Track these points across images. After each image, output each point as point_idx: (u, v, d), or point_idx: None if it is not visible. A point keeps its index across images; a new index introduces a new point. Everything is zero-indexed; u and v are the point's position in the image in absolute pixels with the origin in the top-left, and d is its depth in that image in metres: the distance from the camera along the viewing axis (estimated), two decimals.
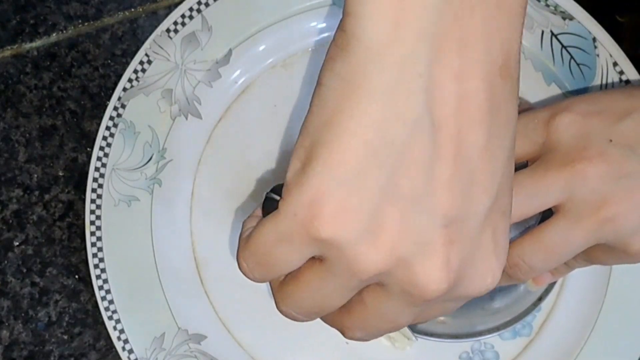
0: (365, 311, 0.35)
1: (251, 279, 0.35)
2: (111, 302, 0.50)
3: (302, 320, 0.36)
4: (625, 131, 0.40)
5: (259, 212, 0.36)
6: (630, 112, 0.41)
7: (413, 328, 0.49)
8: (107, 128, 0.51)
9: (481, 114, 0.31)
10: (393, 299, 0.33)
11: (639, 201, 0.40)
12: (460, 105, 0.31)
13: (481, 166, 0.32)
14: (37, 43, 0.54)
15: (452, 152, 0.31)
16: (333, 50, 0.31)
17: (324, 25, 0.53)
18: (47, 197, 0.54)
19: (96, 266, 0.50)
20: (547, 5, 0.52)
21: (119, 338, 0.50)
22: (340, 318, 0.36)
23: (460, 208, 0.32)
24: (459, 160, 0.31)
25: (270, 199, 0.34)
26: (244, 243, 0.35)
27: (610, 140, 0.40)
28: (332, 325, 0.37)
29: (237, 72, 0.53)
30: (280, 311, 0.36)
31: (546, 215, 0.42)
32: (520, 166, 0.42)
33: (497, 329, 0.49)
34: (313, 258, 0.33)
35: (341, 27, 0.31)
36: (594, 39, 0.52)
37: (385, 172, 0.30)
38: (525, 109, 0.47)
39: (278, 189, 0.33)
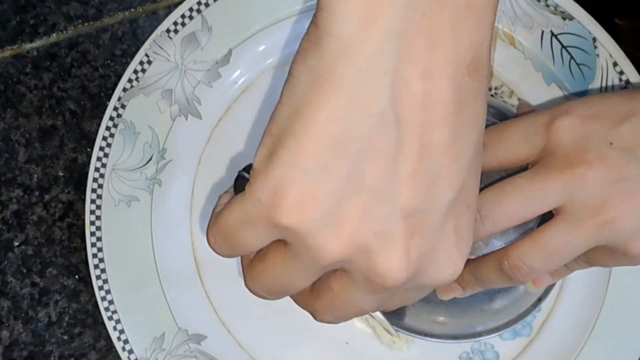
0: (332, 296, 0.35)
1: (218, 254, 0.36)
2: (111, 302, 0.50)
3: (270, 299, 0.37)
4: (625, 134, 0.40)
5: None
6: (630, 116, 0.41)
7: (413, 328, 0.49)
8: (107, 128, 0.51)
9: (447, 111, 0.32)
10: (356, 286, 0.34)
11: (638, 204, 0.40)
12: (426, 102, 0.31)
13: (445, 162, 0.32)
14: (37, 43, 0.54)
15: (415, 147, 0.32)
16: (305, 43, 0.32)
17: None
18: (47, 197, 0.54)
19: (96, 266, 0.50)
20: (547, 6, 0.52)
21: (119, 338, 0.50)
22: (310, 301, 0.37)
23: (422, 201, 0.32)
24: (423, 155, 0.32)
25: (242, 177, 0.35)
26: (214, 218, 0.36)
27: (611, 144, 0.40)
28: (303, 308, 0.38)
29: (237, 72, 0.53)
30: (249, 289, 0.37)
31: (546, 217, 0.42)
32: (520, 169, 0.42)
33: (497, 329, 0.49)
34: (279, 240, 0.34)
35: (314, 22, 0.32)
36: (594, 39, 0.52)
37: (349, 163, 0.31)
38: (526, 111, 0.47)
39: (250, 168, 0.34)
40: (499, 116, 0.46)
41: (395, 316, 0.49)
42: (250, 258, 0.36)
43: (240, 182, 0.35)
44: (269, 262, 0.35)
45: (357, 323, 0.52)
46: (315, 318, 0.38)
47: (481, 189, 0.42)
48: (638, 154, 0.40)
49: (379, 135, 0.31)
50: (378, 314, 0.50)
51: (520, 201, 0.41)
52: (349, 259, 0.33)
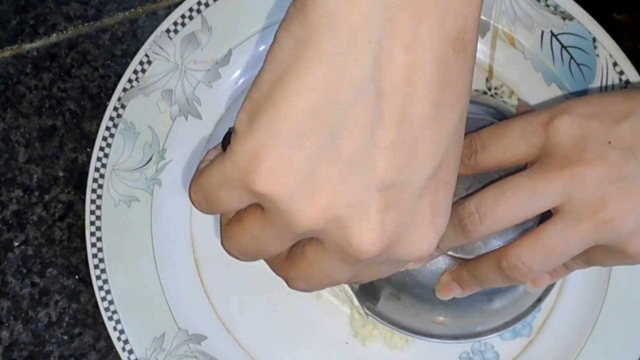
0: (306, 264, 0.36)
1: (197, 210, 0.36)
2: (111, 302, 0.50)
3: (244, 260, 0.37)
4: (624, 133, 0.40)
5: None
6: (628, 115, 0.41)
7: (413, 329, 0.49)
8: (107, 128, 0.51)
9: (429, 85, 0.32)
10: (330, 256, 0.34)
11: (637, 203, 0.40)
12: (409, 75, 0.31)
13: (425, 137, 0.32)
14: (37, 43, 0.54)
15: (395, 119, 0.32)
16: (292, 11, 0.32)
17: None
18: (47, 197, 0.54)
19: (96, 266, 0.50)
20: (547, 6, 0.52)
21: (119, 338, 0.50)
22: (285, 268, 0.37)
23: (398, 174, 0.32)
24: (402, 128, 0.32)
25: (230, 134, 0.35)
26: (196, 174, 0.36)
27: (609, 143, 0.40)
28: (278, 275, 0.38)
29: (237, 73, 0.53)
30: (224, 249, 0.37)
31: (545, 217, 0.42)
32: (519, 169, 0.42)
33: (496, 329, 0.49)
34: (257, 204, 0.34)
35: None
36: (594, 39, 0.52)
37: (327, 132, 0.31)
38: (524, 111, 0.48)
39: None
40: (498, 116, 0.46)
41: (368, 298, 0.49)
42: (229, 218, 0.36)
43: (228, 140, 0.35)
44: (245, 225, 0.35)
45: (331, 297, 0.52)
46: (289, 285, 0.38)
47: (480, 189, 0.42)
48: (637, 153, 0.40)
49: (358, 105, 0.31)
50: (352, 296, 0.50)
51: (519, 200, 0.41)
52: (323, 229, 0.33)
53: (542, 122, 0.42)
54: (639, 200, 0.40)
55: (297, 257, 0.36)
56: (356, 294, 0.49)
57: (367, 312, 0.49)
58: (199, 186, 0.35)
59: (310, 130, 0.31)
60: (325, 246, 0.34)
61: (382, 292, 0.48)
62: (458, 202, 0.43)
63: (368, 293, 0.49)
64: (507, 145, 0.42)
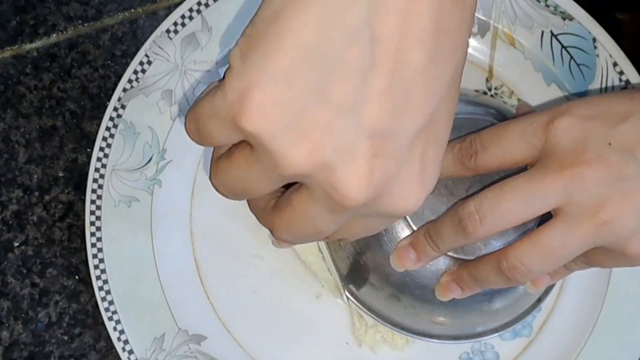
0: (292, 212, 0.35)
1: (190, 139, 0.36)
2: (111, 302, 0.50)
3: (230, 198, 0.37)
4: (624, 135, 0.40)
5: None
6: (629, 116, 0.41)
7: (413, 329, 0.49)
8: (107, 129, 0.51)
9: (424, 34, 0.32)
10: (316, 203, 0.34)
11: (636, 204, 0.40)
12: (404, 22, 0.31)
13: (418, 86, 0.32)
14: (37, 44, 0.54)
15: (388, 67, 0.31)
16: None
17: None
18: (47, 197, 0.54)
19: (96, 267, 0.50)
20: (547, 6, 0.52)
21: (119, 339, 0.50)
22: (271, 217, 0.37)
23: (389, 122, 0.32)
24: (395, 76, 0.32)
25: None
26: (193, 105, 0.36)
27: (609, 144, 0.40)
28: (264, 224, 0.38)
29: None
30: (212, 184, 0.37)
31: (545, 218, 0.42)
32: (519, 170, 0.42)
33: (496, 330, 0.49)
34: (246, 142, 0.34)
35: None
36: (594, 39, 0.52)
37: (318, 74, 0.31)
38: (525, 112, 0.47)
39: None
40: (498, 117, 0.46)
41: (352, 282, 0.49)
42: (220, 154, 0.36)
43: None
44: (234, 161, 0.35)
45: (330, 297, 0.52)
46: (274, 235, 0.38)
47: (481, 190, 0.42)
48: (637, 154, 0.40)
49: (351, 49, 0.31)
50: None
51: (519, 202, 0.41)
52: (309, 173, 0.32)
53: (542, 123, 0.42)
54: (639, 201, 0.40)
55: (282, 206, 0.36)
56: (342, 278, 0.49)
57: (349, 296, 0.49)
58: (192, 116, 0.35)
59: (301, 70, 0.31)
60: (311, 192, 0.34)
61: (369, 277, 0.47)
62: (458, 202, 0.43)
63: (354, 277, 0.49)
64: (507, 146, 0.42)
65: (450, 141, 0.43)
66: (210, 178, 0.37)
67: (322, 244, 0.50)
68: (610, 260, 0.43)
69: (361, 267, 0.47)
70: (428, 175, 0.34)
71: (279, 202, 0.36)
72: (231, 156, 0.35)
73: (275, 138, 0.32)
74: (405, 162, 0.33)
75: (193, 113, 0.35)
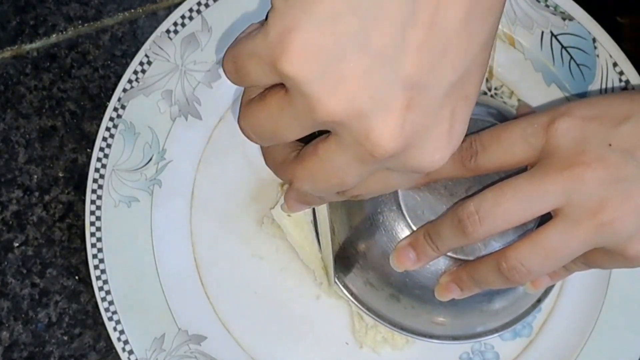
0: (317, 161, 0.35)
1: (227, 77, 0.36)
2: (111, 302, 0.50)
3: (257, 142, 0.37)
4: (624, 136, 0.40)
5: None
6: (629, 117, 0.41)
7: (413, 329, 0.49)
8: (107, 129, 0.51)
9: None
10: (344, 152, 0.34)
11: (636, 205, 0.40)
12: None
13: (454, 42, 0.32)
14: (37, 44, 0.54)
15: (428, 20, 0.32)
16: None
17: None
18: (47, 198, 0.54)
19: (96, 267, 0.50)
20: (547, 6, 0.52)
21: (119, 339, 0.50)
22: (292, 167, 0.37)
23: (424, 75, 0.32)
24: (434, 29, 0.32)
25: None
26: (232, 43, 0.36)
27: (609, 145, 0.40)
28: (283, 176, 0.38)
29: None
30: (240, 127, 0.37)
31: (545, 218, 0.42)
32: (519, 171, 0.42)
33: (496, 330, 0.49)
34: (281, 84, 0.34)
35: None
36: (594, 40, 0.52)
37: (359, 20, 0.31)
38: (525, 113, 0.47)
39: None
40: (499, 117, 0.46)
41: (351, 281, 0.49)
42: (250, 97, 0.36)
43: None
44: (266, 103, 0.35)
45: (331, 297, 0.53)
46: (293, 185, 0.38)
47: (481, 190, 0.42)
48: (637, 154, 0.40)
49: (393, 1, 0.31)
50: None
51: (519, 202, 0.41)
52: (342, 120, 0.33)
53: (542, 123, 0.42)
54: (639, 202, 0.40)
55: (307, 155, 0.36)
56: (341, 278, 0.49)
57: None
58: (231, 55, 0.35)
59: (344, 15, 0.31)
60: (341, 140, 0.34)
61: (369, 277, 0.47)
62: (458, 203, 0.43)
63: (352, 276, 0.49)
64: (508, 147, 0.42)
65: None
66: (238, 121, 0.37)
67: (323, 238, 0.50)
68: (610, 262, 0.43)
69: (361, 267, 0.47)
70: (455, 132, 0.35)
71: (303, 151, 0.36)
72: (264, 98, 0.35)
73: (312, 82, 0.32)
74: (436, 117, 0.34)
75: (232, 52, 0.35)
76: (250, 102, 0.36)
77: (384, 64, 0.32)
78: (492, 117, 0.46)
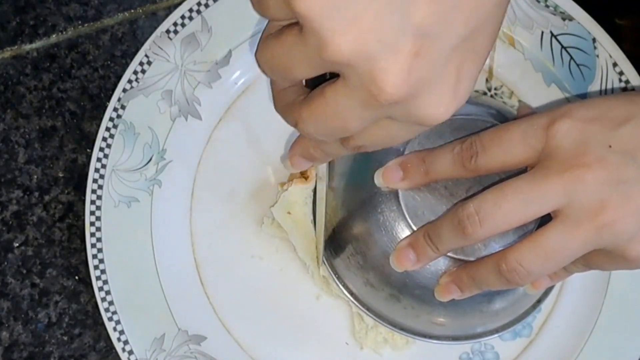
0: (322, 102, 0.36)
1: (252, 6, 0.36)
2: (111, 303, 0.50)
3: (269, 76, 0.38)
4: (624, 137, 0.40)
5: None
6: (629, 119, 0.41)
7: (413, 329, 0.49)
8: (107, 129, 0.51)
9: None
10: (350, 95, 0.35)
11: (636, 207, 0.40)
12: None
13: None
14: (37, 44, 0.54)
15: None
16: None
17: None
18: (47, 198, 0.54)
19: (96, 267, 0.50)
20: (547, 6, 0.52)
21: (119, 339, 0.50)
22: (298, 109, 0.38)
23: (435, 25, 0.33)
24: None
25: None
26: None
27: (610, 146, 0.40)
28: (289, 117, 0.39)
29: (237, 73, 0.53)
30: (256, 58, 0.38)
31: (545, 219, 0.42)
32: (519, 172, 0.42)
33: (496, 330, 0.49)
34: (297, 23, 0.34)
35: None
36: (594, 40, 0.52)
37: None
38: (525, 113, 0.47)
39: None
40: (499, 118, 0.46)
41: (350, 281, 0.49)
42: (270, 32, 0.37)
43: None
44: (281, 39, 0.35)
45: (330, 298, 0.53)
46: (298, 127, 0.38)
47: (481, 191, 0.42)
48: (637, 156, 0.40)
49: None
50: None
51: (519, 204, 0.41)
52: (350, 62, 0.33)
53: (543, 125, 0.42)
54: (639, 204, 0.40)
55: (314, 97, 0.37)
56: (339, 279, 0.49)
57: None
58: None
59: None
60: (347, 84, 0.34)
61: (368, 277, 0.47)
62: (458, 204, 0.43)
63: (351, 275, 0.49)
64: (508, 148, 0.42)
65: (449, 142, 0.43)
66: (255, 54, 0.38)
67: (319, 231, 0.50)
68: (610, 263, 0.43)
69: (361, 267, 0.47)
70: (462, 88, 0.35)
71: (311, 94, 0.37)
72: (280, 35, 0.36)
73: (324, 21, 0.32)
74: (443, 69, 0.34)
75: None
76: (268, 37, 0.37)
77: (395, 9, 0.32)
78: (492, 117, 0.46)
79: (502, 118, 0.46)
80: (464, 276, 0.44)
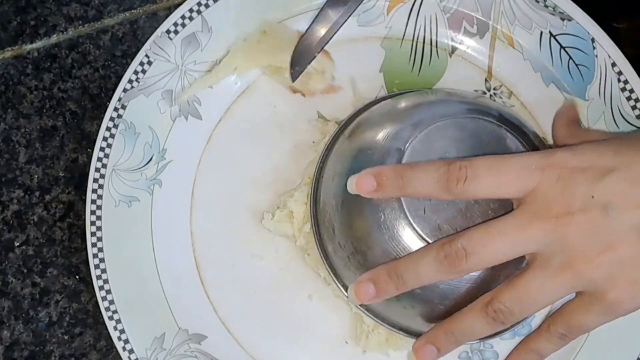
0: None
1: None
2: (112, 302, 0.50)
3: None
4: (606, 188, 0.42)
5: None
6: (613, 169, 0.43)
7: (412, 330, 0.49)
8: (108, 129, 0.51)
9: None
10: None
11: (614, 255, 0.42)
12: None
13: None
14: (38, 44, 0.55)
15: None
16: None
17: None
18: (47, 197, 0.54)
19: (97, 266, 0.50)
20: (546, 6, 0.52)
21: (119, 338, 0.50)
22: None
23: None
24: None
25: None
26: None
27: (592, 197, 0.42)
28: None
29: (237, 74, 0.53)
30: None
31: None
32: (505, 204, 0.44)
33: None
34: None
35: None
36: (593, 40, 0.52)
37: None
38: (570, 112, 0.50)
39: None
40: (499, 119, 0.47)
41: (340, 268, 0.49)
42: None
43: None
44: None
45: (330, 297, 0.53)
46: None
47: (458, 217, 0.44)
48: (616, 207, 0.42)
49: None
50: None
51: (504, 245, 0.43)
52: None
53: (540, 166, 0.43)
54: (616, 252, 0.42)
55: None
56: (339, 278, 0.50)
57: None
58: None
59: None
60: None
61: (347, 246, 0.48)
62: (444, 239, 0.44)
63: (344, 262, 0.49)
64: (502, 180, 0.43)
65: (432, 161, 0.45)
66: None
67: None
68: (589, 314, 0.44)
69: (361, 266, 0.47)
70: None
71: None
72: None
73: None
74: None
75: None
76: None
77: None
78: (493, 118, 0.46)
79: (502, 119, 0.47)
80: (440, 334, 0.46)
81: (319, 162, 0.50)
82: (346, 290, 0.49)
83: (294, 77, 0.52)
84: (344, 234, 0.48)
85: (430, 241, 0.44)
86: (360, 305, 0.49)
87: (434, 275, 0.44)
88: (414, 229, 0.45)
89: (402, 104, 0.49)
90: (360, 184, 0.45)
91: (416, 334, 0.49)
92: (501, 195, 0.44)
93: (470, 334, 0.45)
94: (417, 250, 0.44)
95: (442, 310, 0.47)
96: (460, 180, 0.43)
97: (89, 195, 0.50)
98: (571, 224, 0.42)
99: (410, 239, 0.45)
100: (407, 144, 0.45)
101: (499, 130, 0.46)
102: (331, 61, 0.54)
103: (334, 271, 0.49)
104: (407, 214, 0.45)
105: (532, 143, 0.47)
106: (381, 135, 0.47)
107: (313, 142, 0.53)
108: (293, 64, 0.52)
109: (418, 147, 0.45)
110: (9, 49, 0.54)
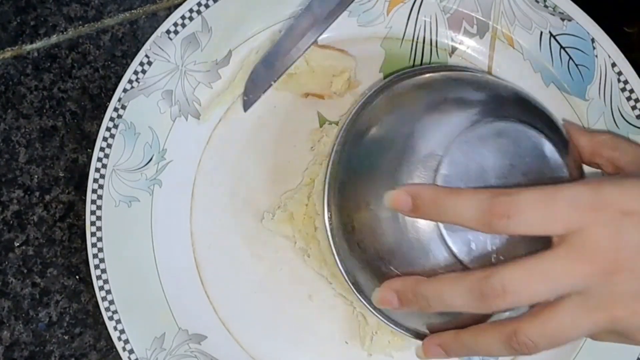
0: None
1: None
2: (112, 302, 0.50)
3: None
4: None
5: None
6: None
7: (413, 330, 0.49)
8: (108, 129, 0.51)
9: None
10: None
11: None
12: None
13: None
14: (38, 44, 0.55)
15: None
16: None
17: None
18: (47, 197, 0.54)
19: (97, 267, 0.50)
20: (546, 6, 0.52)
21: (119, 338, 0.50)
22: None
23: None
24: None
25: None
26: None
27: None
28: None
29: (237, 74, 0.53)
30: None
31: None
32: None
33: None
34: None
35: None
36: (593, 40, 0.52)
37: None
38: (576, 131, 0.49)
39: None
40: (542, 128, 0.45)
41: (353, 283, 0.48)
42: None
43: None
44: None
45: (330, 297, 0.52)
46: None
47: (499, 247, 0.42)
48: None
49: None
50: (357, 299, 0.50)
51: (546, 287, 0.41)
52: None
53: (588, 207, 0.41)
54: None
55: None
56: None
57: (347, 280, 0.48)
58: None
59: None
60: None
61: (355, 239, 0.47)
62: (481, 273, 0.41)
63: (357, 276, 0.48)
64: (549, 220, 0.41)
65: (476, 190, 0.42)
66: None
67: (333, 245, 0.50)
68: (615, 340, 0.44)
69: (382, 274, 0.46)
70: None
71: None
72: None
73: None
74: None
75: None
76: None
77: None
78: (535, 126, 0.44)
79: (547, 130, 0.45)
80: (453, 343, 0.45)
81: (342, 134, 0.49)
82: (354, 287, 0.48)
83: (245, 106, 0.52)
84: (364, 234, 0.46)
85: (460, 258, 0.42)
86: (362, 297, 0.49)
87: (463, 307, 0.42)
88: (445, 242, 0.43)
89: (431, 94, 0.47)
90: (396, 202, 0.43)
91: (415, 334, 0.49)
92: (544, 234, 0.41)
93: (486, 352, 0.44)
94: (448, 277, 0.42)
95: (450, 314, 0.47)
96: (504, 218, 0.40)
97: (89, 196, 0.50)
98: (616, 276, 0.40)
99: (439, 253, 0.43)
100: (444, 151, 0.43)
101: (538, 137, 0.44)
102: (350, 58, 0.53)
103: (345, 268, 0.48)
104: (441, 226, 0.43)
105: (563, 138, 0.45)
106: (415, 132, 0.45)
107: (313, 142, 0.53)
108: (246, 92, 0.52)
109: (457, 152, 0.43)
110: (9, 49, 0.54)
